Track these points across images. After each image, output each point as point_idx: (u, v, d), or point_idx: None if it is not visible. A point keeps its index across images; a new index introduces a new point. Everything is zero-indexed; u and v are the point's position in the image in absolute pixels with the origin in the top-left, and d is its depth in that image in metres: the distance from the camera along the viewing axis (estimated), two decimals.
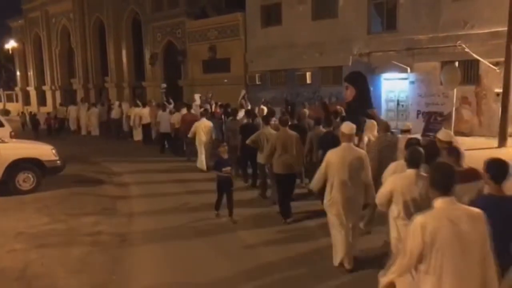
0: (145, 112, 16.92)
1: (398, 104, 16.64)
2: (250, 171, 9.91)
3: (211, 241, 6.44)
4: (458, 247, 2.69)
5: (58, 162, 9.84)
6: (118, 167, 12.35)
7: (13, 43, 36.74)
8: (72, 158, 11.04)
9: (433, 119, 12.39)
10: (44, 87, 35.58)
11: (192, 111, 13.95)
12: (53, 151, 9.87)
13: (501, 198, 3.25)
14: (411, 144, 4.78)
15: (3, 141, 9.78)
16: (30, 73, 37.14)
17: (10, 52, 37.75)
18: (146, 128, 16.96)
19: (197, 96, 17.38)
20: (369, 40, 17.02)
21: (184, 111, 13.73)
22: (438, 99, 15.55)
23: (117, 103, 20.85)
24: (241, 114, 11.75)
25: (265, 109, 12.54)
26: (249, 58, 21.53)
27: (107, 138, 19.17)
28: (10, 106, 38.94)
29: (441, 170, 2.89)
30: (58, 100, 31.54)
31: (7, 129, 12.28)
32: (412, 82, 16.08)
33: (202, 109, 13.95)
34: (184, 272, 5.39)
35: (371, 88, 16.80)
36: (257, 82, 21.01)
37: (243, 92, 16.54)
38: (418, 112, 15.99)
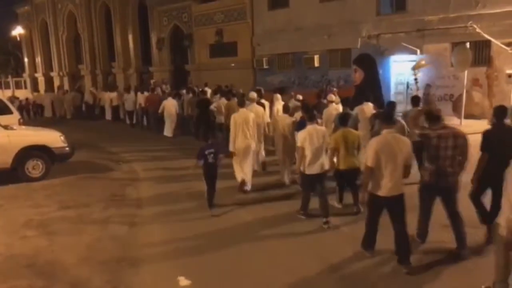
0: (114, 95, 20.61)
1: (407, 87, 16.40)
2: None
3: (220, 222, 6.52)
4: None
5: (67, 148, 9.87)
6: (116, 148, 13.56)
7: (20, 30, 36.62)
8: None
9: (328, 87, 13.18)
10: (52, 73, 35.63)
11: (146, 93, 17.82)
12: (62, 137, 9.89)
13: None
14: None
15: (12, 128, 9.82)
16: (38, 60, 37.14)
17: (18, 38, 37.72)
18: (114, 109, 20.47)
19: (152, 81, 22.20)
20: (378, 22, 16.73)
21: (146, 93, 17.50)
22: (448, 81, 15.31)
23: (90, 89, 24.74)
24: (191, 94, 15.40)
25: (209, 90, 16.13)
26: (256, 41, 21.30)
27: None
28: (19, 92, 39.08)
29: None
30: (66, 86, 31.64)
31: (15, 116, 12.27)
32: None
33: (161, 91, 17.99)
34: (194, 257, 5.41)
35: (380, 71, 16.63)
36: (265, 66, 20.83)
37: (189, 79, 23.25)
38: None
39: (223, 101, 12.25)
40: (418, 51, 15.46)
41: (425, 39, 15.36)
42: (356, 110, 8.11)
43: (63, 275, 5.02)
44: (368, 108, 8.20)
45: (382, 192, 4.82)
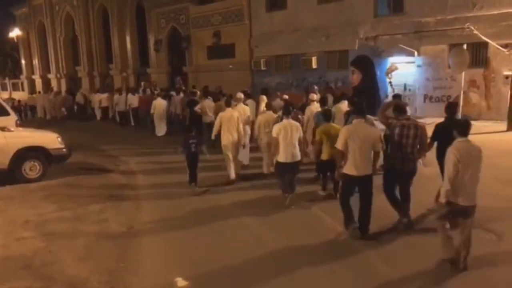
0: (103, 97, 21.42)
1: (405, 88, 16.43)
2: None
3: (217, 218, 6.70)
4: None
5: (64, 150, 9.85)
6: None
7: (18, 32, 36.55)
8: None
9: (310, 88, 13.47)
10: (49, 75, 35.55)
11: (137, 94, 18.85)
12: (59, 139, 9.86)
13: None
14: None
15: (9, 130, 9.78)
16: (35, 61, 37.05)
17: (15, 40, 37.63)
18: (104, 109, 21.29)
19: (142, 83, 22.98)
20: (376, 23, 16.76)
21: (137, 94, 18.53)
22: (445, 83, 15.35)
23: (81, 90, 25.58)
24: (181, 94, 16.11)
25: (198, 91, 16.01)
26: (254, 43, 21.31)
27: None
28: (16, 94, 38.98)
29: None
30: (64, 88, 31.58)
31: (12, 118, 12.21)
32: (419, 66, 15.86)
33: (156, 92, 18.44)
34: (191, 256, 5.40)
35: (378, 72, 16.67)
36: (262, 68, 20.81)
37: (178, 78, 22.75)
38: (425, 96, 15.81)
39: (207, 102, 13.05)
40: (416, 52, 15.51)
41: (423, 41, 15.41)
42: (333, 108, 8.97)
43: (61, 276, 4.99)
44: (344, 105, 9.13)
45: (353, 172, 5.65)
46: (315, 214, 6.89)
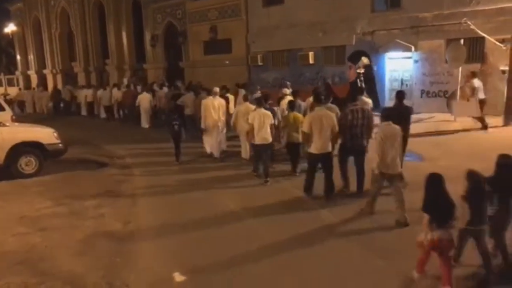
0: (89, 92, 21.91)
1: (402, 83, 16.42)
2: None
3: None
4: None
5: (60, 145, 9.82)
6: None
7: (13, 27, 36.29)
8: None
9: (283, 82, 13.98)
10: (44, 71, 35.32)
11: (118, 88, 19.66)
12: (55, 134, 9.83)
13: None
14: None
15: (4, 125, 9.73)
16: (31, 57, 36.78)
17: (10, 36, 37.34)
18: (89, 105, 21.69)
19: (125, 79, 24.05)
20: (373, 19, 16.72)
21: (122, 89, 19.38)
22: (442, 78, 15.34)
23: (67, 86, 25.94)
24: (165, 89, 17.74)
25: (181, 85, 17.85)
26: (251, 38, 21.23)
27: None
28: (11, 90, 38.76)
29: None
30: (60, 84, 31.42)
31: (8, 113, 12.19)
32: (416, 61, 15.84)
33: (139, 86, 19.73)
34: (189, 253, 5.38)
35: (375, 68, 16.66)
36: (259, 63, 20.74)
37: (160, 76, 24.12)
38: (422, 92, 15.81)
39: (189, 96, 14.17)
40: (413, 47, 15.49)
41: (420, 36, 15.38)
42: (305, 102, 10.13)
43: (57, 272, 4.97)
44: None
45: (315, 150, 7.01)
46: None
